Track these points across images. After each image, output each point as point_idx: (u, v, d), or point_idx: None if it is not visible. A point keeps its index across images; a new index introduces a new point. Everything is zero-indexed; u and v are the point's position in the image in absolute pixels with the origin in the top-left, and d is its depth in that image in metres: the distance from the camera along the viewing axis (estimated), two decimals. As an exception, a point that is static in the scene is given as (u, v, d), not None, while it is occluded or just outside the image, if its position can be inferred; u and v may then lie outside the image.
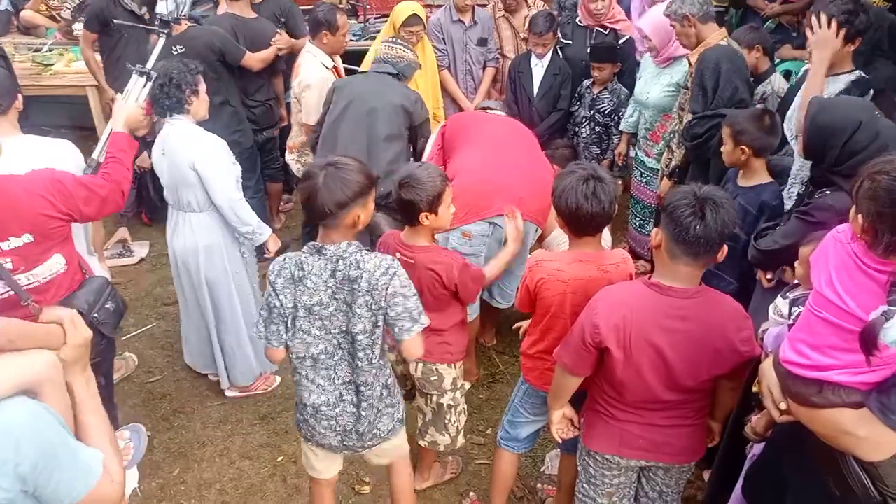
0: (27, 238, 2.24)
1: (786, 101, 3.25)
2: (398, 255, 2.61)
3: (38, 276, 2.32)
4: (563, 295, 2.22)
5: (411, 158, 3.65)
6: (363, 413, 2.21)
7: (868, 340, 1.53)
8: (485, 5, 4.89)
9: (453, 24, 4.57)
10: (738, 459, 2.40)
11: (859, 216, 1.56)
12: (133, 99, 2.83)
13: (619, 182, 4.83)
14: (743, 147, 2.75)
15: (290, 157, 4.35)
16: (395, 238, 2.60)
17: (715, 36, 3.46)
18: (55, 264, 2.36)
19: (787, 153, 3.06)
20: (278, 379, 3.60)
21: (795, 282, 2.37)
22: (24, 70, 5.32)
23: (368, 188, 2.07)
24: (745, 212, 2.72)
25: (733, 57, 3.30)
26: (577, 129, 4.52)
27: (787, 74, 3.97)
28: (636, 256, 4.61)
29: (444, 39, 4.56)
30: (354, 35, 5.87)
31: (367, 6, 6.37)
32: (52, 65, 5.59)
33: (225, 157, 3.03)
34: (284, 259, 2.11)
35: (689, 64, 3.65)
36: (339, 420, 2.23)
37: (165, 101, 2.93)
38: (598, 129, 4.45)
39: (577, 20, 4.60)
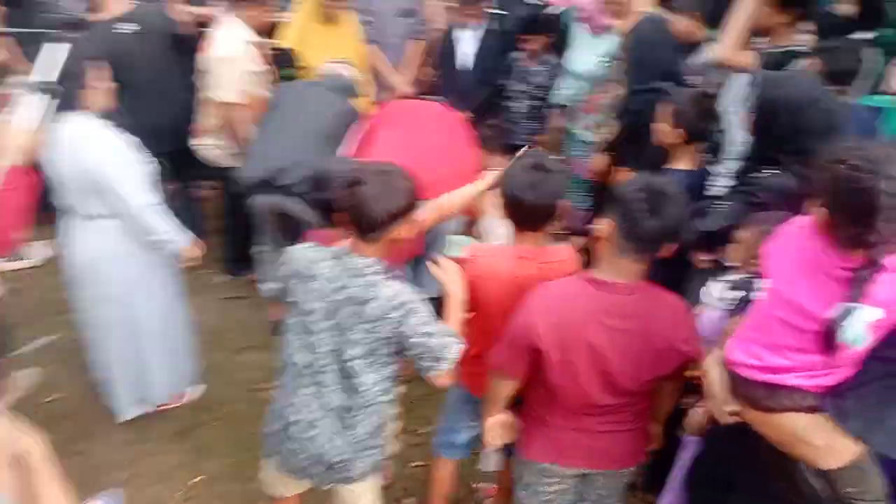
0: None
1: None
2: None
3: None
4: (499, 293, 2.02)
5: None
6: (340, 446, 1.95)
7: (828, 340, 1.40)
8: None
9: (378, -6, 4.27)
10: (672, 442, 2.30)
11: (821, 208, 1.42)
12: (28, 121, 2.44)
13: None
14: (680, 130, 2.61)
15: (203, 142, 3.97)
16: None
17: (644, 4, 3.31)
18: None
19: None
20: (194, 390, 3.31)
21: (730, 264, 2.26)
22: None
23: (415, 200, 1.88)
24: None
25: (661, 27, 3.15)
26: (509, 105, 4.32)
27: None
28: (574, 232, 4.49)
29: (369, 12, 4.25)
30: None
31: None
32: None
33: (130, 155, 2.67)
34: (304, 248, 1.94)
35: (622, 35, 3.50)
36: (310, 445, 1.96)
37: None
38: (531, 103, 4.25)
39: (507, -11, 4.37)
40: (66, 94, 2.55)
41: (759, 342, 1.57)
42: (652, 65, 3.08)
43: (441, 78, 4.38)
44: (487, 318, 2.07)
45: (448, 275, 2.02)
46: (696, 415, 2.09)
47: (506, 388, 1.95)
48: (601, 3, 3.68)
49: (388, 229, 1.83)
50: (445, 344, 1.86)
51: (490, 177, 2.36)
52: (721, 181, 3.00)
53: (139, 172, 2.69)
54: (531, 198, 1.95)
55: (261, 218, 3.36)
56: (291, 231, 3.16)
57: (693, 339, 1.84)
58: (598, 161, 3.57)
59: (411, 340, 1.83)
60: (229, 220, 4.10)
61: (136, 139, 2.75)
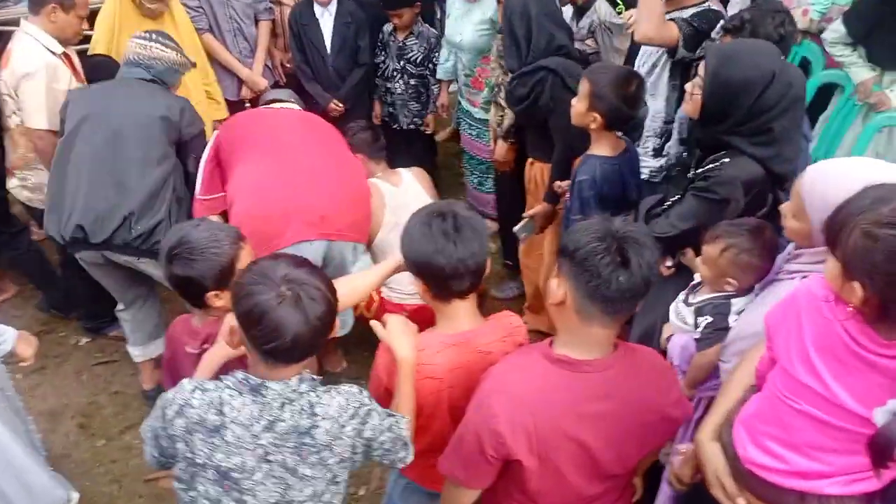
0: None
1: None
2: (189, 349, 1.85)
3: None
4: (437, 393, 1.59)
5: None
6: None
7: (881, 450, 1.11)
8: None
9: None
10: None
11: (856, 284, 1.09)
12: None
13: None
14: (595, 113, 2.25)
15: (14, 184, 3.20)
16: (183, 326, 1.83)
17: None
18: None
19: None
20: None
21: (697, 280, 1.95)
22: None
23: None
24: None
25: (542, -1, 2.74)
26: (388, 86, 3.81)
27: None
28: (482, 216, 4.13)
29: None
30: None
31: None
32: None
33: None
34: (194, 390, 1.39)
35: (499, 2, 3.06)
36: None
37: None
38: (412, 81, 3.76)
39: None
40: None
41: (780, 440, 1.27)
42: (536, 44, 2.68)
43: (302, 63, 3.77)
44: (426, 418, 1.63)
45: (396, 335, 1.57)
46: (678, 465, 1.75)
47: (467, 497, 1.55)
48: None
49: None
50: (404, 425, 1.51)
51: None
52: (649, 163, 2.71)
53: None
54: (451, 257, 1.51)
55: (101, 275, 2.79)
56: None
57: (682, 398, 1.53)
58: (500, 150, 3.18)
59: (378, 440, 1.45)
60: (71, 273, 3.32)
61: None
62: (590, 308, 1.32)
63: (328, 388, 1.42)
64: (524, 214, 2.95)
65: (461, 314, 1.61)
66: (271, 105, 2.96)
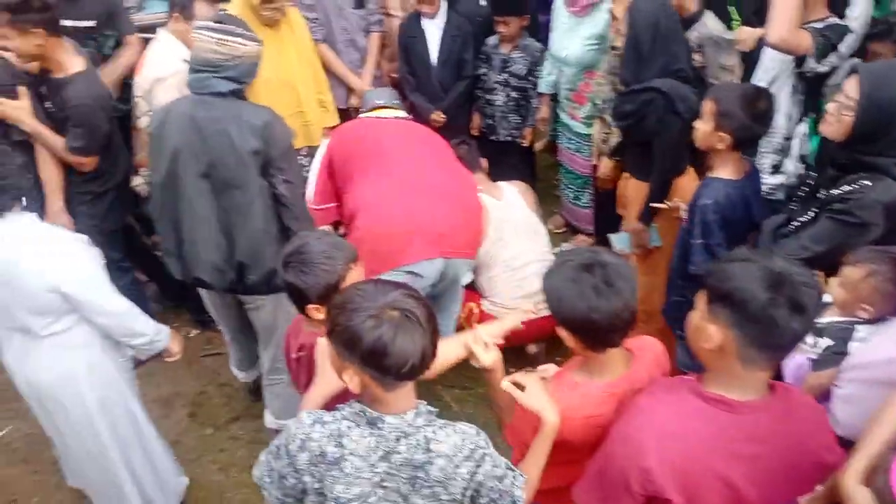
0: None
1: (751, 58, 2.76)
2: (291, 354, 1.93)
3: None
4: (594, 437, 1.57)
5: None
6: None
7: None
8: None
9: (323, -15, 3.71)
10: None
11: None
12: None
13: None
14: (723, 133, 2.22)
15: (138, 181, 3.40)
16: (294, 327, 1.96)
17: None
18: None
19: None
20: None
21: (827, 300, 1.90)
22: None
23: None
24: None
25: (670, 13, 2.71)
26: (488, 98, 3.86)
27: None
28: (574, 230, 4.13)
29: (314, 6, 3.69)
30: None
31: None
32: None
33: (92, 260, 2.15)
34: (312, 423, 1.39)
35: (614, 17, 3.06)
36: None
37: None
38: (514, 94, 3.80)
39: (465, -32, 3.87)
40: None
41: None
42: (654, 61, 2.64)
43: (407, 74, 3.88)
44: (572, 451, 1.61)
45: (540, 400, 1.54)
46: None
47: None
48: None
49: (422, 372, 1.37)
50: (515, 477, 1.46)
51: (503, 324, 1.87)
52: (767, 181, 2.66)
53: (102, 273, 2.17)
54: (606, 306, 1.47)
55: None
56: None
57: (834, 444, 1.47)
58: (605, 167, 3.17)
59: (488, 486, 1.41)
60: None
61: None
62: (756, 355, 1.29)
63: (445, 425, 1.39)
64: (622, 229, 2.95)
65: (615, 360, 1.59)
66: (379, 112, 2.99)
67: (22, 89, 2.78)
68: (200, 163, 2.31)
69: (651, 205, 2.71)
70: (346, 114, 3.88)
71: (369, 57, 3.92)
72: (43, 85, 2.87)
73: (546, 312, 2.70)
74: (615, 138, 3.04)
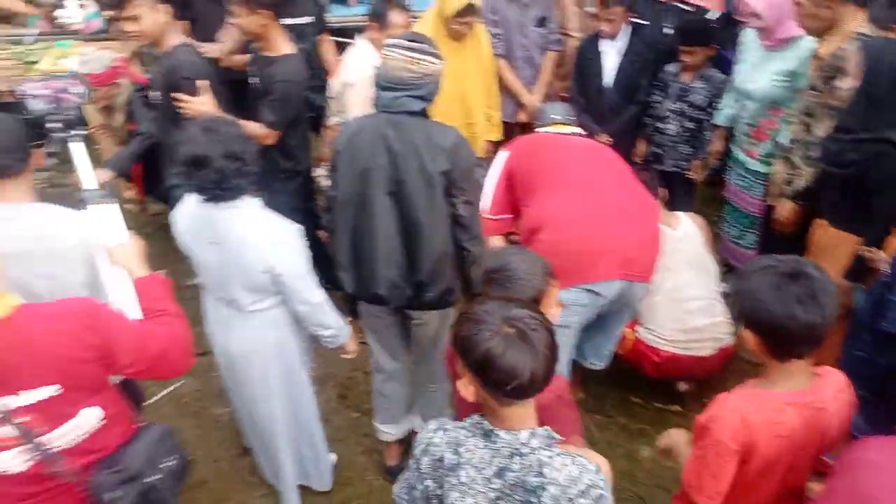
0: (51, 390, 1.63)
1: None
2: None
3: (64, 438, 1.71)
4: (781, 453, 1.59)
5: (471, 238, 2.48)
6: None
7: None
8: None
9: (508, 2, 3.81)
10: None
11: None
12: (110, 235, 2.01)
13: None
14: None
15: (319, 172, 3.66)
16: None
17: (855, 20, 2.73)
18: (85, 422, 1.74)
19: None
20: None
21: None
22: (5, 70, 4.58)
23: None
24: None
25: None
26: (659, 126, 3.81)
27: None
28: (731, 269, 3.99)
29: (498, 22, 3.81)
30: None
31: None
32: (36, 62, 4.86)
33: (304, 251, 2.33)
34: (436, 430, 1.49)
35: (817, 57, 2.93)
36: None
37: (220, 188, 2.14)
38: (688, 124, 3.73)
39: (651, -6, 3.85)
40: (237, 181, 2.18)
41: None
42: (890, 109, 2.50)
43: (578, 94, 3.91)
44: (756, 476, 1.62)
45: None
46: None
47: None
48: (785, 11, 3.11)
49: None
50: None
51: None
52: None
53: (309, 265, 2.36)
54: (805, 316, 1.49)
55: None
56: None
57: None
58: (786, 210, 3.04)
59: None
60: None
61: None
62: None
63: (563, 453, 1.39)
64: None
65: (797, 372, 1.60)
66: (558, 128, 3.01)
67: (202, 83, 2.92)
68: (389, 182, 2.33)
69: (861, 252, 2.58)
70: (510, 128, 3.97)
71: (543, 74, 3.99)
72: (255, 63, 3.19)
73: (702, 352, 2.68)
74: (802, 181, 2.90)
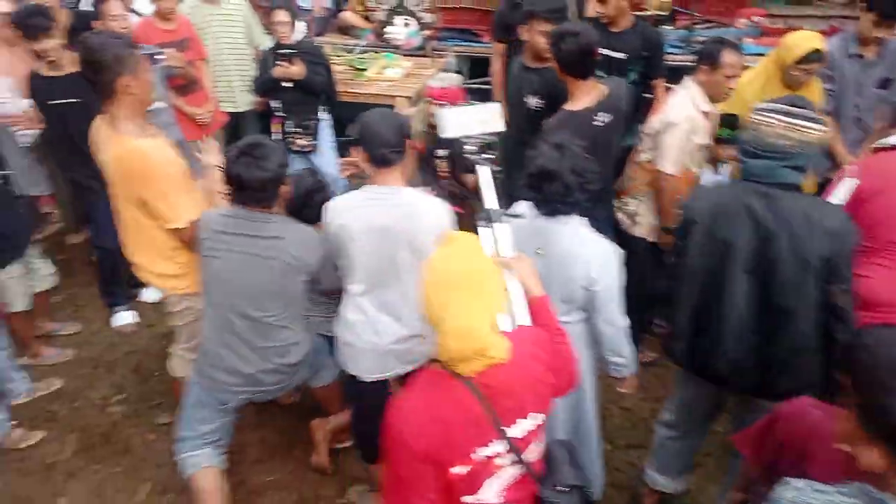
0: (540, 418, 1.70)
1: None
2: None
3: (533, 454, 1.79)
4: None
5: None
6: None
7: None
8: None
9: (849, 58, 3.57)
10: None
11: None
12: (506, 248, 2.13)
13: None
14: None
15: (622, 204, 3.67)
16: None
17: None
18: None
19: None
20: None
21: None
22: (340, 74, 5.28)
23: None
24: None
25: None
26: None
27: None
28: None
29: (832, 77, 3.59)
30: (675, 47, 5.08)
31: (693, 11, 5.50)
32: (364, 70, 5.55)
33: (621, 275, 2.38)
34: (810, 490, 1.37)
35: None
36: None
37: (562, 201, 2.27)
38: None
39: None
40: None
41: None
42: None
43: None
44: None
45: None
46: None
47: None
48: None
49: None
50: None
51: None
52: None
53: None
54: None
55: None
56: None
57: None
58: None
59: None
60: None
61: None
62: None
63: None
64: None
65: None
66: None
67: None
68: (752, 259, 2.16)
69: None
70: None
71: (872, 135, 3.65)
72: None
73: None
74: None
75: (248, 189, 2.44)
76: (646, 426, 3.35)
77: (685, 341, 2.42)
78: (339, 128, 5.12)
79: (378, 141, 2.34)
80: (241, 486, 3.06)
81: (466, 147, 2.24)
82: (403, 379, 2.53)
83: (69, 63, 3.63)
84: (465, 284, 1.53)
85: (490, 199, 2.18)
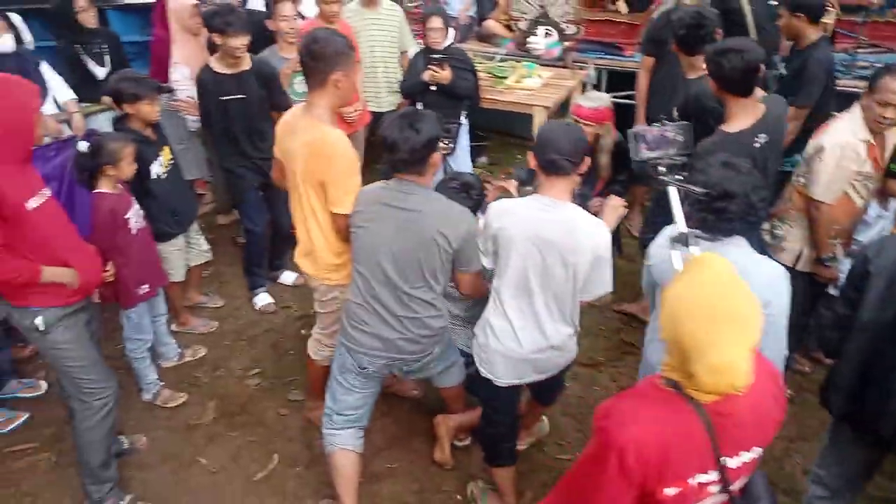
0: (758, 452, 1.66)
1: None
2: None
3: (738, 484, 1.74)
4: None
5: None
6: None
7: None
8: None
9: None
10: None
11: None
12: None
13: None
14: None
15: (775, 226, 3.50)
16: None
17: None
18: None
19: None
20: None
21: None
22: (483, 82, 5.35)
23: None
24: None
25: None
26: None
27: None
28: None
29: None
30: (840, 69, 4.77)
31: (861, 35, 5.16)
32: (505, 77, 5.61)
33: (789, 300, 2.28)
34: None
35: None
36: None
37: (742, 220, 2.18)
38: None
39: None
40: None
41: None
42: None
43: None
44: None
45: None
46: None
47: None
48: None
49: None
50: None
51: None
52: None
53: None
54: None
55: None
56: None
57: None
58: None
59: None
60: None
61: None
62: None
63: None
64: None
65: None
66: None
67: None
68: None
69: None
70: None
71: None
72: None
73: None
74: None
75: (398, 152, 2.47)
76: (778, 465, 3.19)
77: (844, 395, 2.33)
78: (472, 133, 5.25)
79: (551, 147, 2.35)
80: (362, 470, 3.17)
81: (658, 168, 2.21)
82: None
83: (244, 62, 3.91)
84: (731, 318, 1.43)
85: (681, 221, 2.15)
